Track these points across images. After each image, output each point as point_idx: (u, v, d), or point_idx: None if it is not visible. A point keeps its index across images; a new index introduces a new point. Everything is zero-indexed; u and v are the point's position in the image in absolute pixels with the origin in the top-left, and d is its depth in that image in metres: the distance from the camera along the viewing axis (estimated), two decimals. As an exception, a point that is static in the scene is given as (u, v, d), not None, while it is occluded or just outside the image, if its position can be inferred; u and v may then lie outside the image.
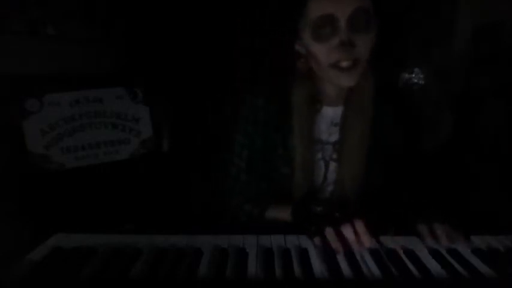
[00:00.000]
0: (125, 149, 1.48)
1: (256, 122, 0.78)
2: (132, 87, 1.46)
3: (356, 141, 0.73)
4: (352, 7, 0.60)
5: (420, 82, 1.72)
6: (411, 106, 0.84)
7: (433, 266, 0.51)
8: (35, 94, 1.27)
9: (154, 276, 0.49)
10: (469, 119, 1.56)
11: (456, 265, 0.52)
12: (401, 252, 0.55)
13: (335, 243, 0.54)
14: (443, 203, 0.69)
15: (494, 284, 0.49)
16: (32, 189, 1.24)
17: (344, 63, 0.64)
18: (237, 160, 0.80)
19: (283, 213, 0.73)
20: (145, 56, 1.64)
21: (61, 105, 1.33)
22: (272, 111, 0.77)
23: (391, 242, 0.58)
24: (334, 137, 0.77)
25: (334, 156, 0.77)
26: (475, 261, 0.53)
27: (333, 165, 0.78)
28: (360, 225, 0.55)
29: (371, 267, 0.51)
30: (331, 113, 0.77)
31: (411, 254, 0.54)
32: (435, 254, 0.54)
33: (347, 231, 0.55)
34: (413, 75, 1.72)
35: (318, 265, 0.51)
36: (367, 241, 0.55)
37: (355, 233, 0.55)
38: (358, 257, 0.53)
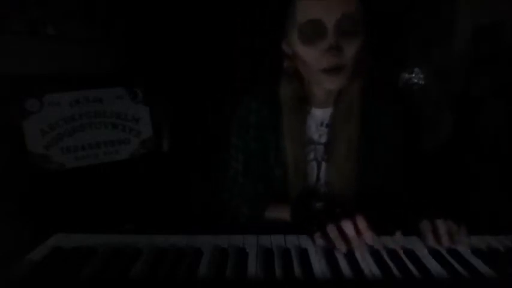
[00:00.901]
0: (125, 149, 1.48)
1: (249, 124, 0.78)
2: (132, 87, 1.46)
3: (345, 142, 0.73)
4: (339, 12, 0.60)
5: (420, 82, 1.72)
6: (411, 106, 0.85)
7: (433, 266, 0.51)
8: (35, 94, 1.27)
9: (154, 276, 0.48)
10: (469, 119, 1.56)
11: (456, 265, 0.52)
12: (401, 252, 0.55)
13: (338, 241, 0.53)
14: (443, 203, 0.69)
15: (494, 284, 0.49)
16: (32, 189, 1.24)
17: (332, 67, 0.64)
18: (234, 163, 0.81)
19: (282, 213, 0.73)
20: (145, 56, 1.64)
21: (61, 105, 1.33)
22: (264, 112, 0.77)
23: (391, 242, 0.58)
24: (325, 138, 0.78)
25: (325, 157, 0.78)
26: (475, 261, 0.53)
27: (325, 166, 0.78)
28: (361, 221, 0.54)
29: (371, 267, 0.51)
30: (320, 114, 0.77)
31: (411, 254, 0.54)
32: (435, 254, 0.54)
33: (348, 227, 0.54)
34: (413, 75, 1.73)
35: (317, 265, 0.51)
36: (369, 237, 0.54)
37: (357, 229, 0.54)
38: (358, 257, 0.53)
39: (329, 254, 0.53)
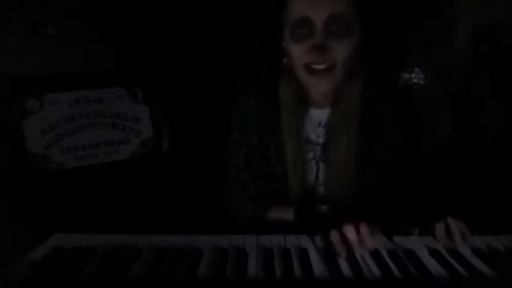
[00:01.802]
0: (125, 149, 1.48)
1: (250, 120, 0.79)
2: (132, 87, 1.46)
3: (344, 143, 0.73)
4: (329, 11, 0.61)
5: (420, 82, 1.72)
6: (411, 106, 0.85)
7: (433, 266, 0.51)
8: (35, 94, 1.27)
9: (154, 276, 0.49)
10: (469, 119, 1.56)
11: (456, 265, 0.52)
12: (401, 252, 0.55)
13: (338, 246, 0.54)
14: (443, 203, 0.69)
15: (494, 284, 0.49)
16: (32, 189, 1.24)
17: (316, 66, 0.65)
18: (236, 159, 0.80)
19: (285, 213, 0.73)
20: (145, 56, 1.64)
21: (61, 105, 1.33)
22: (263, 110, 0.78)
23: (391, 242, 0.58)
24: (322, 139, 0.78)
25: (324, 157, 0.78)
26: (475, 261, 0.53)
27: (323, 166, 0.78)
28: (363, 227, 0.55)
29: (371, 267, 0.51)
30: (317, 115, 0.78)
31: (411, 254, 0.54)
32: (435, 254, 0.54)
33: (349, 232, 0.54)
34: (413, 75, 1.72)
35: (317, 265, 0.51)
36: (370, 243, 0.54)
37: (358, 234, 0.54)
38: (359, 257, 0.53)
39: (329, 254, 0.53)
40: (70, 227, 0.61)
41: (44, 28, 1.32)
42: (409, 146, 0.82)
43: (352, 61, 0.67)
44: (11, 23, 1.21)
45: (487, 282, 0.49)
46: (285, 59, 0.75)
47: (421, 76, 1.72)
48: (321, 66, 0.65)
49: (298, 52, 0.66)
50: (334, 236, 0.55)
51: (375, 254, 0.53)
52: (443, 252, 0.55)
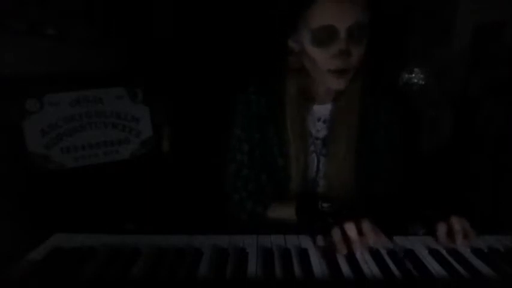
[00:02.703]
0: (125, 149, 1.48)
1: (251, 115, 0.80)
2: (132, 87, 1.46)
3: (344, 138, 0.76)
4: (352, 20, 0.63)
5: (420, 82, 1.72)
6: (411, 106, 0.85)
7: (433, 266, 0.51)
8: (35, 94, 1.27)
9: (154, 276, 0.49)
10: (469, 119, 1.56)
11: (456, 265, 0.52)
12: (401, 252, 0.55)
13: (340, 245, 0.54)
14: (442, 202, 0.69)
15: (494, 284, 0.49)
16: (32, 189, 1.24)
17: (340, 69, 0.67)
18: (239, 155, 0.81)
19: (287, 210, 0.74)
20: (145, 56, 1.64)
21: (61, 105, 1.33)
22: (266, 104, 0.79)
23: (391, 241, 0.58)
24: (323, 133, 0.80)
25: (324, 151, 0.80)
26: (475, 261, 0.53)
27: (323, 160, 0.80)
28: (366, 225, 0.55)
29: (371, 267, 0.51)
30: (318, 110, 0.80)
31: (411, 254, 0.54)
32: (435, 254, 0.54)
33: (350, 229, 0.54)
34: (413, 75, 1.72)
35: (317, 265, 0.51)
36: (373, 240, 0.54)
37: (360, 231, 0.55)
38: (358, 257, 0.53)
39: (329, 254, 0.53)
40: (70, 227, 0.61)
41: (44, 28, 1.32)
42: (408, 145, 0.83)
43: (361, 61, 0.69)
44: (11, 23, 1.21)
45: (487, 282, 0.49)
46: (293, 57, 0.76)
47: (421, 76, 1.72)
48: (343, 69, 0.67)
49: (322, 57, 0.68)
50: (335, 233, 0.55)
51: (375, 254, 0.53)
52: (443, 252, 0.55)
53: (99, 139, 1.42)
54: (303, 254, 0.53)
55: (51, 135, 1.32)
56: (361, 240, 0.54)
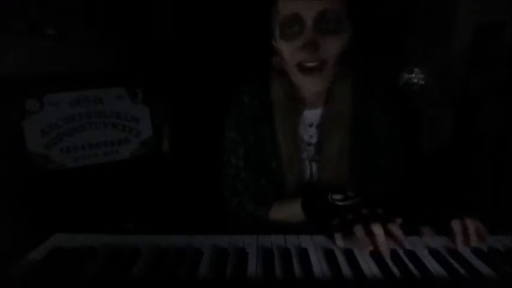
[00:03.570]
0: (125, 149, 1.48)
1: (245, 117, 0.78)
2: (132, 87, 1.46)
3: (337, 143, 0.73)
4: (319, 8, 0.60)
5: (420, 82, 1.72)
6: (411, 106, 0.85)
7: (433, 266, 0.51)
8: (35, 94, 1.27)
9: (154, 276, 0.49)
10: (469, 119, 1.56)
11: (456, 265, 0.52)
12: (401, 252, 0.55)
13: (364, 241, 0.52)
14: (442, 202, 0.69)
15: (494, 284, 0.49)
16: (32, 189, 1.24)
17: (308, 64, 0.64)
18: (234, 158, 0.79)
19: (291, 208, 0.71)
20: (145, 56, 1.64)
21: (61, 105, 1.33)
22: (257, 107, 0.77)
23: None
24: (315, 139, 0.77)
25: (316, 157, 0.77)
26: (475, 261, 0.53)
27: (315, 166, 0.78)
28: (395, 226, 0.53)
29: (371, 267, 0.51)
30: (309, 115, 0.77)
31: (411, 254, 0.54)
32: (435, 254, 0.54)
33: (378, 231, 0.52)
34: (413, 75, 1.73)
35: (317, 265, 0.51)
36: (403, 242, 0.53)
37: (387, 232, 0.53)
38: (358, 257, 0.53)
39: (329, 254, 0.54)
40: (70, 227, 0.61)
41: (44, 28, 1.32)
42: (408, 145, 0.82)
43: (343, 59, 0.66)
44: (11, 23, 1.21)
45: (487, 282, 0.49)
46: (275, 58, 0.74)
47: (421, 76, 1.72)
48: (313, 65, 0.64)
49: (289, 51, 0.65)
50: (358, 230, 0.53)
51: (375, 254, 0.53)
52: (443, 252, 0.55)
53: (99, 139, 1.42)
54: (303, 254, 0.53)
55: (51, 135, 1.32)
56: (391, 242, 0.53)
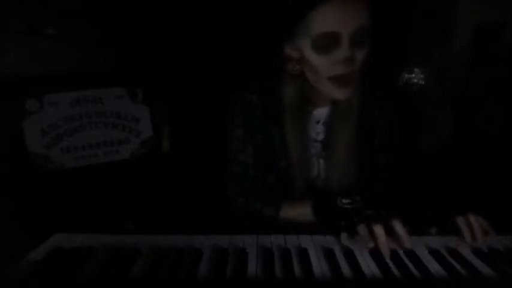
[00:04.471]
0: (125, 149, 1.48)
1: (253, 115, 0.78)
2: (132, 87, 1.46)
3: (343, 140, 0.75)
4: (356, 25, 0.61)
5: (420, 82, 1.72)
6: (411, 106, 0.85)
7: (433, 266, 0.51)
8: (35, 94, 1.27)
9: (154, 276, 0.49)
10: (469, 119, 1.56)
11: (456, 265, 0.52)
12: (401, 252, 0.55)
13: (366, 240, 0.54)
14: (443, 202, 0.69)
15: (494, 284, 0.49)
16: (32, 189, 1.24)
17: (343, 76, 0.65)
18: (242, 157, 0.79)
19: (300, 210, 0.72)
20: (145, 56, 1.64)
21: (61, 105, 1.33)
22: (265, 105, 0.78)
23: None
24: (321, 136, 0.79)
25: (323, 154, 0.79)
26: (475, 261, 0.53)
27: (322, 162, 0.80)
28: (398, 226, 0.55)
29: (371, 267, 0.51)
30: (316, 113, 0.79)
31: (411, 254, 0.54)
32: (435, 254, 0.54)
33: (379, 232, 0.54)
34: (413, 75, 1.72)
35: (317, 265, 0.51)
36: (407, 242, 0.54)
37: (389, 233, 0.54)
38: (358, 257, 0.53)
39: (329, 254, 0.54)
40: (70, 227, 0.61)
41: (44, 28, 1.32)
42: (408, 145, 0.83)
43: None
44: (11, 23, 1.21)
45: (487, 282, 0.49)
46: (291, 64, 0.72)
47: (421, 76, 1.72)
48: (346, 76, 0.65)
49: (324, 64, 0.65)
50: (362, 229, 0.55)
51: (375, 254, 0.53)
52: (443, 252, 0.55)
53: (99, 139, 1.42)
54: (303, 254, 0.53)
55: (51, 135, 1.32)
56: (393, 242, 0.54)
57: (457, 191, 1.36)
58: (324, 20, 0.61)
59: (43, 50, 1.31)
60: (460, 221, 0.59)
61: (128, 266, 0.50)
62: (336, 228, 0.59)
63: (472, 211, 0.61)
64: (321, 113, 0.78)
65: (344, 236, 0.57)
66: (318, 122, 0.79)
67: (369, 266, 0.51)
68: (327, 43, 0.63)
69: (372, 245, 0.54)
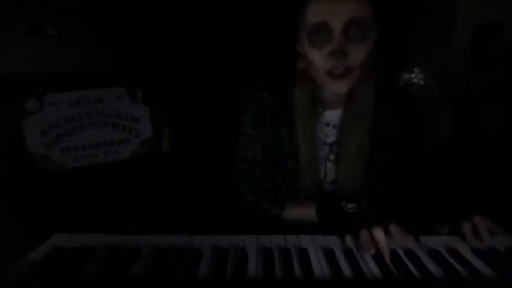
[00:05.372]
0: (125, 149, 1.48)
1: (263, 113, 0.78)
2: (132, 87, 1.46)
3: (355, 144, 0.74)
4: (347, 16, 0.60)
5: (420, 82, 1.72)
6: (411, 106, 0.85)
7: (433, 266, 0.51)
8: (35, 94, 1.27)
9: (154, 276, 0.49)
10: (469, 118, 1.56)
11: (456, 265, 0.52)
12: (401, 252, 0.55)
13: (367, 245, 0.54)
14: (443, 202, 0.69)
15: (494, 284, 0.49)
16: (32, 189, 1.24)
17: (336, 71, 0.65)
18: (251, 154, 0.79)
19: (305, 211, 0.72)
20: (145, 56, 1.64)
21: (61, 105, 1.33)
22: (277, 103, 0.78)
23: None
24: (331, 139, 0.78)
25: (331, 157, 0.78)
26: (475, 261, 0.53)
27: (329, 165, 0.79)
28: (394, 228, 0.55)
29: (371, 267, 0.51)
30: (328, 115, 0.78)
31: (411, 254, 0.54)
32: (435, 254, 0.54)
33: (378, 234, 0.54)
34: (413, 75, 1.72)
35: (317, 265, 0.51)
36: (404, 242, 0.55)
37: (388, 235, 0.55)
38: (358, 257, 0.53)
39: (329, 254, 0.54)
40: (70, 227, 0.61)
41: (44, 28, 1.32)
42: (408, 145, 0.83)
43: (366, 63, 0.67)
44: (11, 23, 1.21)
45: (487, 282, 0.49)
46: (300, 63, 0.74)
47: (421, 76, 1.72)
48: (339, 71, 0.65)
49: (318, 58, 0.65)
50: (363, 234, 0.56)
51: (375, 254, 0.53)
52: (443, 252, 0.55)
53: (99, 139, 1.42)
54: (303, 254, 0.53)
55: (51, 135, 1.32)
56: (388, 243, 0.54)
57: (457, 191, 1.36)
58: (315, 11, 0.63)
59: (43, 50, 1.31)
60: (465, 227, 0.59)
61: (128, 266, 0.50)
62: (338, 231, 0.60)
63: (473, 211, 0.61)
64: (332, 115, 0.78)
65: (348, 238, 0.58)
66: (327, 125, 0.78)
67: (368, 266, 0.51)
68: (318, 35, 0.63)
69: (373, 251, 0.54)
